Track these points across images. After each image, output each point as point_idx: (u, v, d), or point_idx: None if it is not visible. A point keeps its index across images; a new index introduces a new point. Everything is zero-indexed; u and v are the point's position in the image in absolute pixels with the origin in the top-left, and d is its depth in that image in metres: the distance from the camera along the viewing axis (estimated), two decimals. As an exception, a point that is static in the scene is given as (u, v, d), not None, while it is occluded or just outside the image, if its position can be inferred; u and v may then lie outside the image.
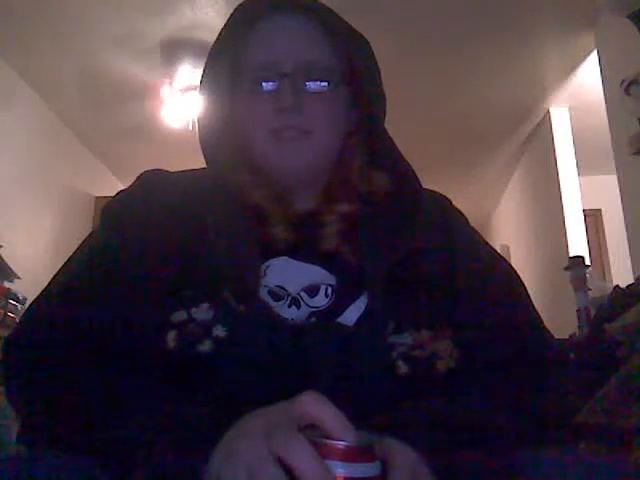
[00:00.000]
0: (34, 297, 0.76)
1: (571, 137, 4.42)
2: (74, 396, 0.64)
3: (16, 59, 3.84)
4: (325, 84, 0.76)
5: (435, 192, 0.86)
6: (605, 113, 3.60)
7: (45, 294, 0.76)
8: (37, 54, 3.78)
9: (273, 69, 0.75)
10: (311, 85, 0.76)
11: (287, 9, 0.78)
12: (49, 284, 0.77)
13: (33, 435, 0.66)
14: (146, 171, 0.83)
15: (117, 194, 0.83)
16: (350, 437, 0.47)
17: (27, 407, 0.68)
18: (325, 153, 0.78)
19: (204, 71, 0.80)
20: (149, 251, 0.73)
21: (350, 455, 0.46)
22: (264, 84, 0.76)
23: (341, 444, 0.47)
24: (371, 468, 0.47)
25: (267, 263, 0.73)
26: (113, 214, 0.80)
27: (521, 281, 0.82)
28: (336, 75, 0.77)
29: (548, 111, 4.49)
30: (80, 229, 4.69)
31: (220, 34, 0.80)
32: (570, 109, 4.43)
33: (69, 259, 0.80)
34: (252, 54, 0.77)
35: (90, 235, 0.82)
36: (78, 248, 0.80)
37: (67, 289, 0.74)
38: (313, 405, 0.49)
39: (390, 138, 0.79)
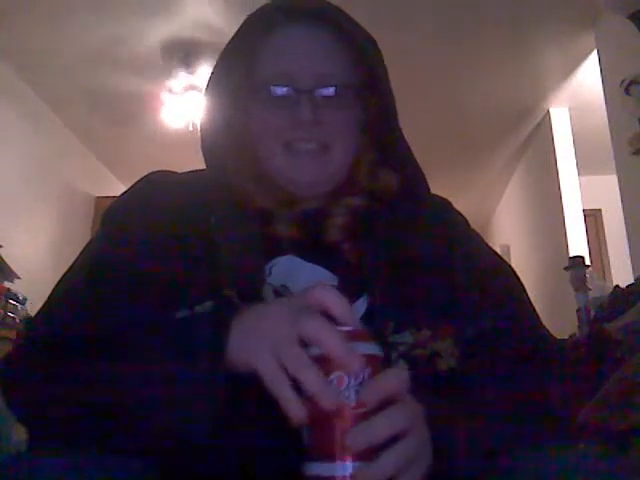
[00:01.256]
0: (34, 297, 0.76)
1: (571, 137, 4.43)
2: (82, 403, 0.62)
3: (17, 60, 3.84)
4: (341, 96, 0.76)
5: (435, 195, 0.87)
6: (605, 113, 3.60)
7: (48, 305, 0.75)
8: (37, 54, 3.78)
9: (289, 81, 0.75)
10: (327, 98, 0.75)
11: (301, 18, 0.77)
12: (52, 292, 0.76)
13: (45, 442, 0.65)
14: (151, 172, 0.83)
15: (119, 196, 0.82)
16: (354, 322, 0.55)
17: (35, 417, 0.67)
18: (341, 166, 0.78)
19: (212, 76, 0.80)
20: (152, 252, 0.73)
21: (361, 336, 0.54)
22: (279, 96, 0.75)
23: (350, 328, 0.54)
24: (375, 347, 0.54)
25: (272, 262, 0.73)
26: (114, 217, 0.80)
27: (520, 282, 0.83)
28: (351, 86, 0.77)
29: (548, 111, 4.49)
30: (80, 229, 4.70)
31: (232, 41, 0.79)
32: (570, 109, 4.43)
33: (72, 265, 0.79)
34: (267, 65, 0.77)
35: (92, 240, 0.81)
36: (81, 253, 0.80)
37: (71, 297, 0.74)
38: (323, 294, 0.56)
39: (404, 140, 0.80)
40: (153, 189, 0.80)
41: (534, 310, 0.80)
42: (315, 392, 0.51)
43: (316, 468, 0.51)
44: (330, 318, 0.55)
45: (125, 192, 0.82)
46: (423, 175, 0.81)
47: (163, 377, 0.58)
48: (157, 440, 0.59)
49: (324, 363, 0.52)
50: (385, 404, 0.52)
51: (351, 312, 0.56)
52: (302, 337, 0.53)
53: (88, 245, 0.81)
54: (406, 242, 0.76)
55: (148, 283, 0.70)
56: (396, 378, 0.54)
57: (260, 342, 0.54)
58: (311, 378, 0.51)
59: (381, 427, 0.51)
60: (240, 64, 0.78)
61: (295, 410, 0.51)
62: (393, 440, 0.52)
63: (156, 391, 0.58)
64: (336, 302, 0.55)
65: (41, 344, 0.69)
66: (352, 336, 0.53)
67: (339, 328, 0.53)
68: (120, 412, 0.60)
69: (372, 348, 0.54)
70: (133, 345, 0.62)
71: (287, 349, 0.53)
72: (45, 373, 0.66)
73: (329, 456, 0.50)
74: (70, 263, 0.79)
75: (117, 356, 0.63)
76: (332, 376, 0.52)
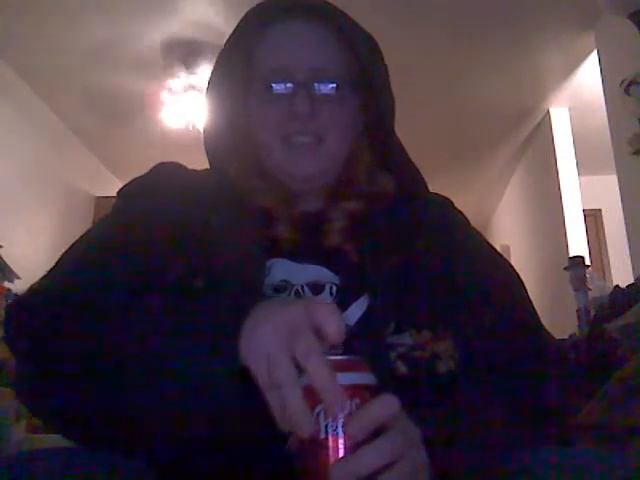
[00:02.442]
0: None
1: (571, 137, 4.42)
2: (79, 353, 0.61)
3: (16, 59, 3.84)
4: (338, 90, 0.76)
5: (437, 194, 0.87)
6: (605, 113, 3.60)
7: (61, 262, 0.74)
8: (37, 54, 3.78)
9: (286, 75, 0.76)
10: (324, 92, 0.76)
11: (299, 14, 0.77)
12: (60, 259, 0.75)
13: (29, 386, 0.65)
14: (161, 163, 0.84)
15: (133, 180, 0.83)
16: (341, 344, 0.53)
17: (31, 361, 0.65)
18: (336, 160, 0.79)
19: (213, 74, 0.80)
20: (158, 239, 0.73)
21: (352, 366, 0.52)
22: (277, 90, 0.76)
23: (341, 358, 0.52)
24: (368, 377, 0.53)
25: (271, 262, 0.74)
26: (130, 197, 0.81)
27: (522, 282, 0.82)
28: (348, 81, 0.77)
29: (548, 111, 4.49)
30: (80, 229, 4.64)
31: (230, 38, 0.80)
32: (570, 109, 4.43)
33: (84, 235, 0.79)
34: (264, 60, 0.77)
35: (108, 213, 0.81)
36: (91, 228, 0.81)
37: (80, 263, 0.73)
38: (323, 313, 0.53)
39: (399, 141, 0.80)
40: (165, 178, 0.81)
41: (534, 310, 0.80)
42: (292, 416, 0.50)
43: None
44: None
45: (139, 177, 0.83)
46: (421, 176, 0.81)
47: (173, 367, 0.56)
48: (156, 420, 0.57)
49: (313, 393, 0.50)
50: (376, 433, 0.51)
51: (344, 332, 0.53)
52: (294, 358, 0.51)
53: (103, 218, 0.81)
54: (407, 242, 0.76)
55: (151, 268, 0.70)
56: (384, 407, 0.52)
57: (258, 349, 0.53)
58: (292, 400, 0.50)
59: (367, 459, 0.50)
60: (238, 60, 0.79)
61: (282, 418, 0.51)
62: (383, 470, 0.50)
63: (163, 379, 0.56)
64: (333, 323, 0.53)
65: (50, 295, 0.68)
66: (343, 366, 0.52)
67: (331, 357, 0.52)
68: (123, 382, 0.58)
69: (363, 378, 0.53)
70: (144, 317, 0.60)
71: (277, 367, 0.51)
72: (51, 322, 0.64)
73: None
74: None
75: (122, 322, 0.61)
76: (319, 407, 0.50)
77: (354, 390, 0.51)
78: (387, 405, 0.52)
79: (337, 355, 0.53)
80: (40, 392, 0.64)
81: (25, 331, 0.65)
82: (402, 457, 0.52)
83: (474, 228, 0.87)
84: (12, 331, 0.67)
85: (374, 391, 0.53)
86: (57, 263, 0.75)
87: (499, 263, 0.84)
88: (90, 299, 0.65)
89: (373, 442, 0.50)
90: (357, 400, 0.51)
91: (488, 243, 0.86)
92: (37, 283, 0.72)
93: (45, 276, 0.73)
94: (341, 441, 0.50)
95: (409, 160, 0.81)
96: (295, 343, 0.51)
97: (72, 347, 0.61)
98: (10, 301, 0.69)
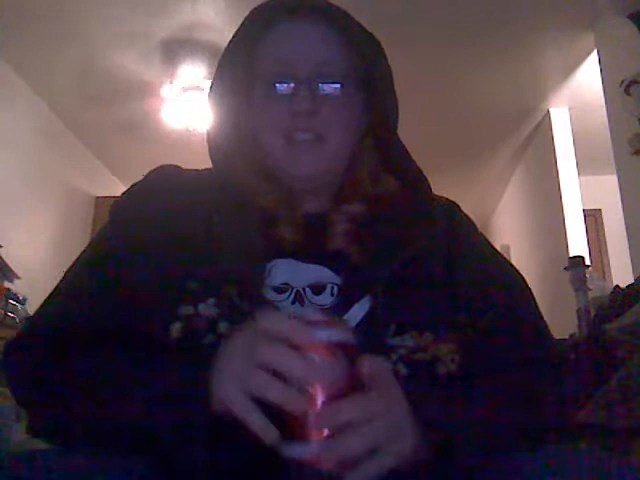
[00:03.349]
0: (34, 297, 0.77)
1: (571, 137, 4.43)
2: (79, 386, 0.65)
3: (16, 59, 3.84)
4: (340, 89, 0.76)
5: (442, 197, 0.86)
6: (605, 113, 3.60)
7: (55, 292, 0.77)
8: (37, 54, 3.78)
9: (288, 73, 0.76)
10: (326, 90, 0.76)
11: (302, 14, 0.77)
12: (61, 280, 0.78)
13: (40, 426, 0.69)
14: (160, 166, 0.84)
15: (129, 188, 0.83)
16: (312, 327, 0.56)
17: (33, 401, 0.69)
18: (337, 159, 0.79)
19: (216, 74, 0.80)
20: (157, 244, 0.73)
21: (325, 324, 0.56)
22: (279, 88, 0.76)
23: (317, 317, 0.57)
24: (345, 335, 0.56)
25: (272, 263, 0.74)
26: (122, 209, 0.81)
27: (527, 286, 0.82)
28: (351, 80, 0.77)
29: (548, 111, 4.49)
30: (80, 229, 4.70)
31: (234, 38, 0.80)
32: (570, 109, 4.44)
33: (78, 259, 0.80)
34: (267, 59, 0.77)
35: (101, 230, 0.82)
36: (87, 246, 0.81)
37: (76, 285, 0.76)
38: (274, 324, 0.58)
39: (402, 143, 0.80)
40: (161, 182, 0.81)
41: (539, 314, 0.80)
42: (285, 405, 0.53)
43: (293, 449, 0.54)
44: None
45: (134, 185, 0.82)
46: (425, 178, 0.80)
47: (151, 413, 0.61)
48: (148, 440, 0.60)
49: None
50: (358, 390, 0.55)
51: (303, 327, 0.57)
52: (261, 365, 0.55)
53: (99, 234, 0.82)
54: (410, 244, 0.76)
55: (151, 273, 0.71)
56: (364, 364, 0.56)
57: (228, 377, 0.57)
58: (276, 394, 0.54)
59: (344, 407, 0.54)
60: (241, 60, 0.78)
61: (267, 434, 0.54)
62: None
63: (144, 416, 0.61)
64: (290, 328, 0.57)
65: (44, 335, 0.71)
66: (319, 323, 0.56)
67: (309, 317, 0.57)
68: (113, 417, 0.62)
69: (339, 334, 0.56)
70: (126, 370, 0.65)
71: (249, 376, 0.55)
72: (47, 363, 0.68)
73: (303, 437, 0.53)
74: (70, 263, 0.80)
75: (115, 361, 0.65)
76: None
77: (329, 346, 0.55)
78: (368, 364, 0.56)
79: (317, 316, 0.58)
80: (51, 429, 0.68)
81: (23, 377, 0.71)
82: (382, 414, 0.55)
83: (481, 233, 0.86)
84: (12, 377, 0.71)
85: (352, 349, 0.56)
86: (55, 289, 0.77)
87: (503, 267, 0.83)
88: (77, 346, 0.69)
89: (351, 396, 0.54)
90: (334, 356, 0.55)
91: (493, 247, 0.86)
92: (31, 319, 0.76)
93: (41, 308, 0.76)
94: (318, 394, 0.54)
95: (412, 162, 0.80)
96: (256, 349, 0.56)
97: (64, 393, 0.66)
98: (8, 343, 0.76)
